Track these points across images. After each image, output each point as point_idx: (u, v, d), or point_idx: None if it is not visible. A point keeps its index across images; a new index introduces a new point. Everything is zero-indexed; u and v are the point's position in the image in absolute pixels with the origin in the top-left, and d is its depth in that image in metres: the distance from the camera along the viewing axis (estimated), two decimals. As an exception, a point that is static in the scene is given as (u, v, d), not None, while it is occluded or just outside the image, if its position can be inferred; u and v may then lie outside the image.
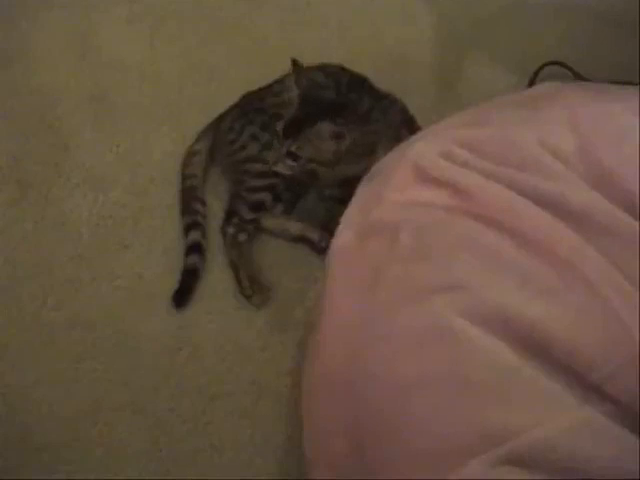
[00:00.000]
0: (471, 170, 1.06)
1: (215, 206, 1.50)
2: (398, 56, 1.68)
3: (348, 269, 1.09)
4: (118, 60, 1.71)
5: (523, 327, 0.92)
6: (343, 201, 1.20)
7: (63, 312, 1.41)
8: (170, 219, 1.49)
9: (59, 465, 1.28)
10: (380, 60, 1.64)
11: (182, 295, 1.41)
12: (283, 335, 1.37)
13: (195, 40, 1.75)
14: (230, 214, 1.46)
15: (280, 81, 1.50)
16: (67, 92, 1.67)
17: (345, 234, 1.13)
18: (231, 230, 1.45)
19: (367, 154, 1.35)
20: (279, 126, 1.36)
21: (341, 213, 1.17)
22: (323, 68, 1.48)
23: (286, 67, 1.41)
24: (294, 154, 1.34)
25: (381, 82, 1.48)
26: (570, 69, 1.56)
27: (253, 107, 1.51)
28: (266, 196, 1.45)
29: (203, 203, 1.50)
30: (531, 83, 1.55)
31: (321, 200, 1.46)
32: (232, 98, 1.55)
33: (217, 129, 1.54)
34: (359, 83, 1.47)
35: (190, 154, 1.53)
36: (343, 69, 1.49)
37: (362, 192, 1.18)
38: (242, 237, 1.45)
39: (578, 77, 1.54)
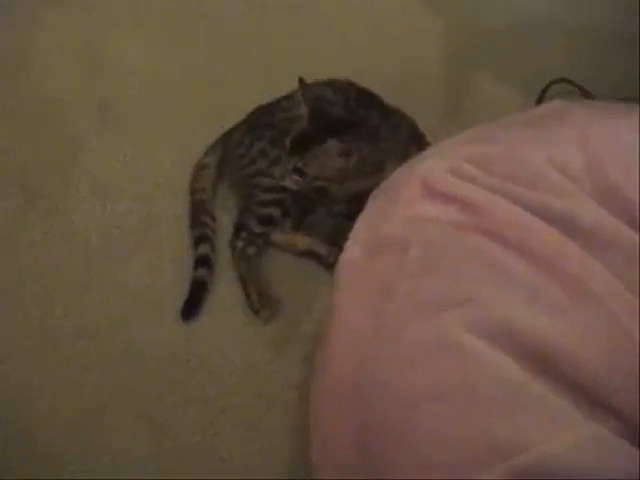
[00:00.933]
0: (479, 186, 1.07)
1: (224, 220, 1.50)
2: (407, 73, 1.69)
3: (357, 283, 1.10)
4: (126, 68, 1.73)
5: (530, 342, 0.93)
6: (352, 217, 1.19)
7: (70, 320, 1.42)
8: (178, 229, 1.50)
9: (63, 472, 1.27)
10: (389, 77, 1.65)
11: (190, 308, 1.41)
12: (290, 348, 1.37)
13: (204, 50, 1.76)
14: (239, 228, 1.46)
15: (289, 97, 1.51)
16: (74, 101, 1.69)
17: (354, 249, 1.14)
18: (240, 244, 1.45)
19: (376, 171, 1.35)
20: (287, 141, 1.36)
21: (350, 228, 1.17)
22: (332, 83, 1.49)
23: (296, 79, 1.40)
24: (300, 170, 1.35)
25: (390, 99, 1.49)
26: (577, 86, 1.57)
27: (262, 122, 1.51)
28: (275, 210, 1.45)
29: (212, 217, 1.50)
30: (539, 100, 1.56)
31: (330, 216, 1.47)
32: (240, 106, 1.56)
33: (226, 143, 1.55)
34: (368, 98, 1.48)
35: (199, 168, 1.54)
36: (352, 84, 1.50)
37: (371, 208, 1.19)
38: (251, 251, 1.45)
39: (584, 93, 1.56)
